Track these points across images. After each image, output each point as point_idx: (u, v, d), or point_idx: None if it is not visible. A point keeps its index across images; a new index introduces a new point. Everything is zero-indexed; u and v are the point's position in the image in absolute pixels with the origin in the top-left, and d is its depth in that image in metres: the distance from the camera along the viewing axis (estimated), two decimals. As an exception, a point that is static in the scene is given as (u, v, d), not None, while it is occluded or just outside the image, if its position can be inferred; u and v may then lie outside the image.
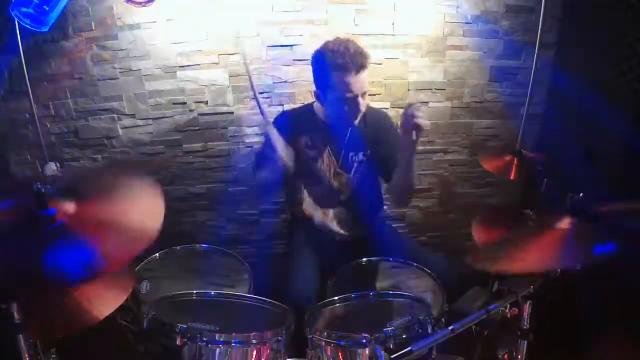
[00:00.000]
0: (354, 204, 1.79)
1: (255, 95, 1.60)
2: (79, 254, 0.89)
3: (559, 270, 1.04)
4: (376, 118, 1.76)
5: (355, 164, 1.73)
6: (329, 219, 1.80)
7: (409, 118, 1.38)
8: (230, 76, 2.06)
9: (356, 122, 1.63)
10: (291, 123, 1.74)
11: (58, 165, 1.81)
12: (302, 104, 2.10)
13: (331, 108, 1.61)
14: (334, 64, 1.47)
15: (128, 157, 2.17)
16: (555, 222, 1.02)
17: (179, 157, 2.20)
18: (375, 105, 2.13)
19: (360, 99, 1.54)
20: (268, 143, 1.57)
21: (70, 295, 1.19)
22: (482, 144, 2.32)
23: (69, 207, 0.98)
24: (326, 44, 1.54)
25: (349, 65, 1.46)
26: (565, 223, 1.01)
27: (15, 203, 1.00)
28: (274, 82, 2.08)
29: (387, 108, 2.16)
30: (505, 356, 1.33)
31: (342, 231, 1.80)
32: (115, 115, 2.09)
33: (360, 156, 1.73)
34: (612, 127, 1.81)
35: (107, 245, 0.91)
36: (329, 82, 1.52)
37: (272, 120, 1.75)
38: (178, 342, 1.09)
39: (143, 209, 1.03)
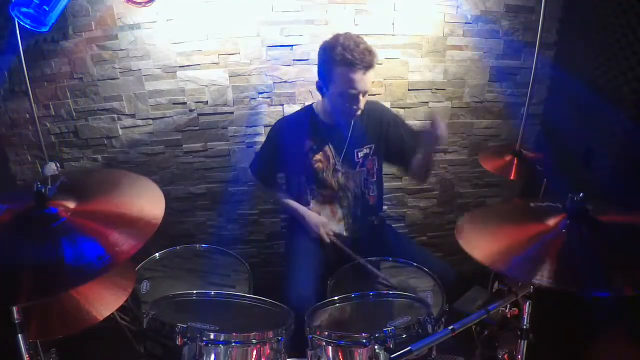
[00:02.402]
0: (360, 202, 1.80)
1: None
2: (86, 248, 0.89)
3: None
4: (377, 110, 1.76)
5: (361, 160, 1.73)
6: (336, 219, 1.80)
7: (431, 134, 1.47)
8: (230, 76, 2.06)
9: (353, 120, 1.64)
10: (292, 129, 1.74)
11: (58, 165, 1.81)
12: (302, 106, 2.10)
13: (331, 102, 1.61)
14: (343, 58, 1.45)
15: (128, 157, 2.18)
16: (547, 217, 1.02)
17: (179, 157, 2.21)
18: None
19: (361, 97, 1.53)
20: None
21: (70, 295, 1.19)
22: (482, 144, 2.32)
23: (70, 204, 0.98)
24: (337, 37, 1.51)
25: (357, 62, 1.45)
26: (555, 220, 1.00)
27: (16, 204, 1.00)
28: (274, 82, 2.08)
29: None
30: (505, 356, 1.33)
31: (344, 233, 1.80)
32: (115, 115, 2.09)
33: (365, 150, 1.73)
34: (612, 127, 1.81)
35: (114, 237, 0.91)
36: (334, 76, 1.51)
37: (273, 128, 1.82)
38: (178, 342, 1.09)
39: (143, 199, 1.05)
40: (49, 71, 1.98)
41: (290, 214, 1.84)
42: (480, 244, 1.02)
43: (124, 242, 0.89)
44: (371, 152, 1.74)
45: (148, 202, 1.03)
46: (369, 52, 1.47)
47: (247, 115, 2.14)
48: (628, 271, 0.88)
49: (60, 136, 2.11)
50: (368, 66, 1.47)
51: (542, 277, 0.87)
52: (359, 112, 1.59)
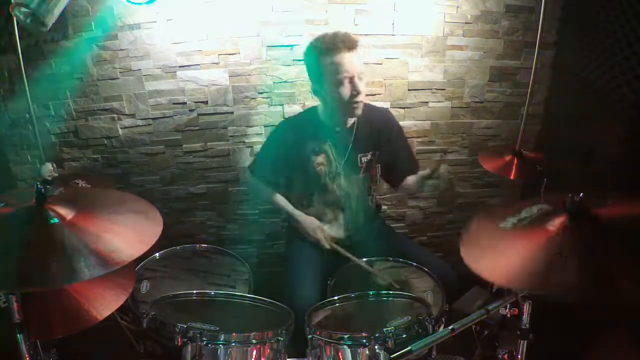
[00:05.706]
0: (362, 207, 1.79)
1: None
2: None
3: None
4: (382, 118, 1.75)
5: (364, 165, 1.72)
6: (338, 224, 1.79)
7: None
8: (230, 76, 2.06)
9: (358, 111, 1.58)
10: (295, 130, 1.72)
11: (54, 165, 1.81)
12: (302, 106, 2.11)
13: (331, 99, 1.57)
14: (324, 46, 1.50)
15: (128, 157, 2.18)
16: (549, 221, 1.00)
17: (179, 157, 2.21)
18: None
19: (357, 81, 1.51)
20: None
21: (70, 295, 1.19)
22: (482, 144, 2.32)
23: (67, 213, 0.98)
24: (315, 37, 1.57)
25: (338, 45, 1.48)
26: (557, 224, 0.98)
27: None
28: (274, 82, 2.08)
29: (387, 108, 2.16)
30: (505, 356, 1.33)
31: (344, 237, 1.79)
32: (115, 115, 2.09)
33: (369, 156, 1.72)
34: (612, 127, 1.81)
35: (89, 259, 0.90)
36: (322, 68, 1.52)
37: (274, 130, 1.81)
38: (178, 342, 1.09)
39: (125, 233, 1.02)
40: (49, 71, 1.98)
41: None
42: (486, 262, 0.99)
43: (90, 270, 0.88)
44: (375, 158, 1.73)
45: (128, 239, 1.00)
46: (348, 36, 1.51)
47: (247, 115, 2.14)
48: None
49: (60, 136, 2.11)
50: (350, 47, 1.49)
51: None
52: (361, 98, 1.55)
